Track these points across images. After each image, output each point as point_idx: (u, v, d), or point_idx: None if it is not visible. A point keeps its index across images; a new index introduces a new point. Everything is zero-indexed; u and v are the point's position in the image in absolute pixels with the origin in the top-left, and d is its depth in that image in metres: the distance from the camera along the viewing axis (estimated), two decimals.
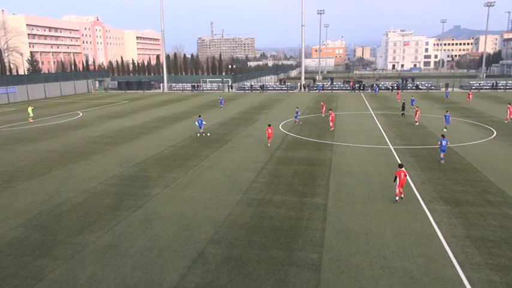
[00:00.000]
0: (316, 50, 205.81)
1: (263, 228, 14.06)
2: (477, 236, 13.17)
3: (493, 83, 72.14)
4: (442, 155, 22.15)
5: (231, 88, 79.61)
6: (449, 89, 68.38)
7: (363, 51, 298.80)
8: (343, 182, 19.03)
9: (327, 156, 24.13)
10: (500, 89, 70.38)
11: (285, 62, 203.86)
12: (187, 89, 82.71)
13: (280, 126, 35.11)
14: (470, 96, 53.50)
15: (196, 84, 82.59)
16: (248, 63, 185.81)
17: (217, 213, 15.46)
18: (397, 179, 16.18)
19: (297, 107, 39.18)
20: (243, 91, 79.01)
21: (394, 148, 25.93)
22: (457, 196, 16.79)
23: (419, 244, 12.72)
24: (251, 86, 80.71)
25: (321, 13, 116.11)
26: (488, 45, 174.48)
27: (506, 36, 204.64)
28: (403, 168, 16.44)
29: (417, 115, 34.81)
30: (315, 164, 22.37)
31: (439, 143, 22.34)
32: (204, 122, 31.73)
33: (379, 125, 34.93)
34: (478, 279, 10.78)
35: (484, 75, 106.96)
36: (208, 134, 31.46)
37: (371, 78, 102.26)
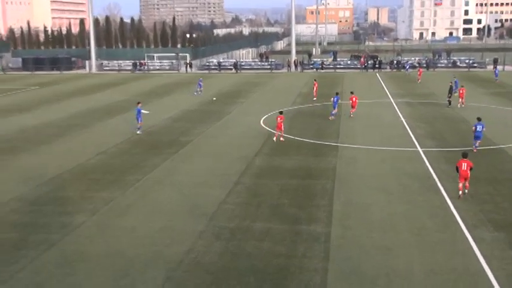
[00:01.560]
0: (313, 13, 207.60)
1: (238, 271, 13.92)
2: None
3: None
4: (476, 143, 25.71)
5: (190, 67, 79.29)
6: (499, 67, 70.01)
7: (378, 14, 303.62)
8: (353, 201, 19.11)
9: (330, 164, 24.23)
10: None
11: (268, 30, 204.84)
12: (126, 68, 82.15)
13: (261, 122, 35.14)
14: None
15: (139, 62, 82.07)
16: (215, 31, 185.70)
17: (171, 250, 15.22)
18: (458, 170, 19.10)
19: (337, 93, 38.47)
20: (207, 71, 78.84)
21: (423, 151, 26.28)
22: None
23: (460, 287, 12.87)
24: (219, 63, 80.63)
25: None
26: None
27: None
28: (467, 158, 19.27)
29: (462, 96, 39.07)
30: (313, 175, 22.42)
31: (474, 128, 25.73)
32: (145, 112, 31.85)
33: (403, 119, 35.45)
34: None
35: None
36: (138, 133, 31.56)
37: (390, 51, 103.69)
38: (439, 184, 20.84)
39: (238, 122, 35.97)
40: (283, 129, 29.11)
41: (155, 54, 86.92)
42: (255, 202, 19.14)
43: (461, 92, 39.64)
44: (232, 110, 40.93)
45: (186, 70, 78.51)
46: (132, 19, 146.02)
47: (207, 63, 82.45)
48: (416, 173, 22.62)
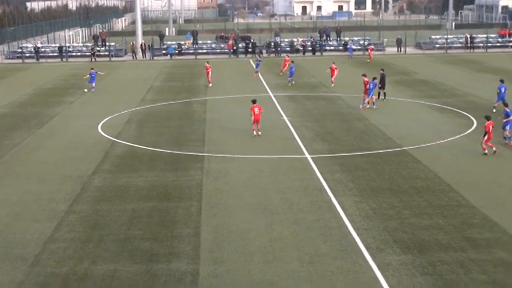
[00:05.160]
0: None
1: None
2: None
3: (466, 38, 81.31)
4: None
5: None
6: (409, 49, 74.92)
7: None
8: (226, 226, 19.41)
9: (194, 179, 24.47)
10: (478, 47, 79.69)
11: (104, 3, 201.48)
12: None
13: (99, 127, 34.53)
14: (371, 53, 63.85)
15: None
16: (28, 4, 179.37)
17: None
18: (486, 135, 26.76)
19: (374, 78, 39.73)
20: (20, 60, 75.93)
21: (312, 158, 27.37)
22: (421, 236, 18.32)
23: None
24: (37, 49, 77.94)
25: None
26: None
27: None
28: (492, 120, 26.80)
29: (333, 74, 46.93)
30: (172, 196, 22.51)
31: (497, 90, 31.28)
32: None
33: (285, 118, 36.71)
34: None
35: (453, 24, 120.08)
36: None
37: (266, 31, 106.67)
38: (333, 199, 21.77)
39: (67, 128, 35.05)
40: (260, 120, 31.38)
41: None
42: (95, 236, 18.76)
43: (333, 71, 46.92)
44: (58, 113, 39.75)
45: None
46: None
47: (20, 49, 79.23)
48: (305, 185, 23.43)
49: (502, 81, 38.26)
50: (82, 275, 16.23)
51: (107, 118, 37.35)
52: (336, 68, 48.92)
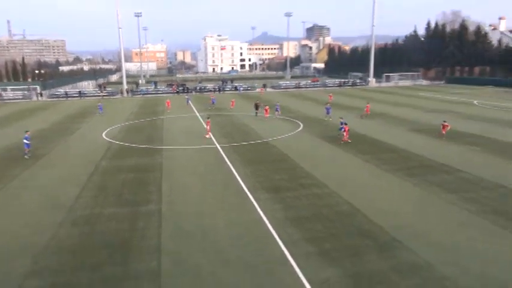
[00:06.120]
0: (137, 54, 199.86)
1: (94, 247, 13.00)
2: (294, 216, 15.16)
3: (296, 83, 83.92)
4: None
5: (41, 96, 70.35)
6: (267, 89, 76.07)
7: (183, 55, 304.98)
8: (176, 184, 19.18)
9: (157, 161, 23.87)
10: (302, 87, 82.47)
11: (104, 66, 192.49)
12: None
13: (103, 135, 32.92)
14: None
15: None
16: (60, 68, 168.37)
17: (36, 239, 13.52)
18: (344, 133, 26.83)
19: (327, 102, 42.04)
20: (56, 99, 70.89)
21: (220, 146, 27.45)
22: (276, 184, 18.90)
23: (250, 232, 13.87)
24: (66, 92, 73.12)
25: (138, 16, 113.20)
26: (291, 50, 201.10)
27: (303, 42, 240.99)
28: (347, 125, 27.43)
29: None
30: (146, 170, 21.87)
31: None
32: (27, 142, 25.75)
33: (205, 126, 36.32)
34: (299, 253, 12.45)
35: (290, 76, 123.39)
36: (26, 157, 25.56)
37: (194, 81, 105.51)
38: (231, 167, 21.98)
39: (86, 135, 33.06)
40: (209, 129, 30.83)
41: (8, 87, 74.76)
42: (103, 194, 18.04)
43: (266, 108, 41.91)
44: (80, 127, 37.46)
45: (38, 98, 69.65)
46: None
47: (56, 93, 73.99)
48: (216, 161, 23.50)
49: (327, 103, 41.21)
50: (97, 215, 15.60)
51: (108, 129, 35.58)
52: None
